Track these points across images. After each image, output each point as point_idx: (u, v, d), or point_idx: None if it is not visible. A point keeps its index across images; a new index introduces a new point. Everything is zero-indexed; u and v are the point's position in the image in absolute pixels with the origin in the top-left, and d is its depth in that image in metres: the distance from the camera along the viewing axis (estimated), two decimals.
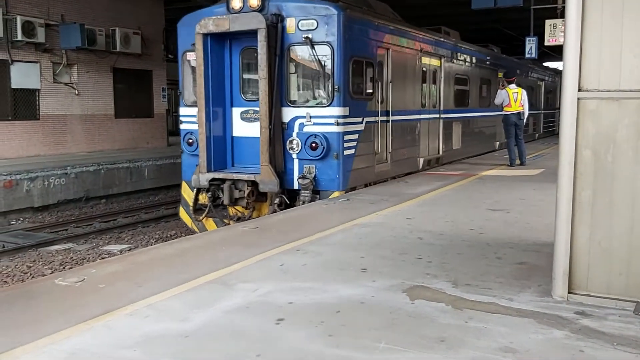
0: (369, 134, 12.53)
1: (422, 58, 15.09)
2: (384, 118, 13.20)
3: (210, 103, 11.96)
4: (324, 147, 11.45)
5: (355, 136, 12.01)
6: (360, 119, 12.14)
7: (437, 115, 16.27)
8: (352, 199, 10.95)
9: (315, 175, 11.64)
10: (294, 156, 11.76)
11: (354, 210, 9.68)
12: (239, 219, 12.05)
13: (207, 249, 7.35)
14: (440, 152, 16.56)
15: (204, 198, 12.28)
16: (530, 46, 22.11)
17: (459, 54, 17.75)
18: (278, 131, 11.65)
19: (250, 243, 7.51)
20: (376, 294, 5.45)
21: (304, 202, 11.49)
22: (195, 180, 12.15)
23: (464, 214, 9.39)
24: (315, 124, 11.62)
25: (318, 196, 11.68)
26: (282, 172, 11.78)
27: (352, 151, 11.89)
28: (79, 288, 5.70)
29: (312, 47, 11.39)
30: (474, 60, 19.26)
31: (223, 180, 11.92)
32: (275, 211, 11.53)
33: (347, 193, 11.62)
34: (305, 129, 11.68)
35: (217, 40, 12.03)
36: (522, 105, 15.96)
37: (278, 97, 11.63)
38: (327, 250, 7.12)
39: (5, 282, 11.09)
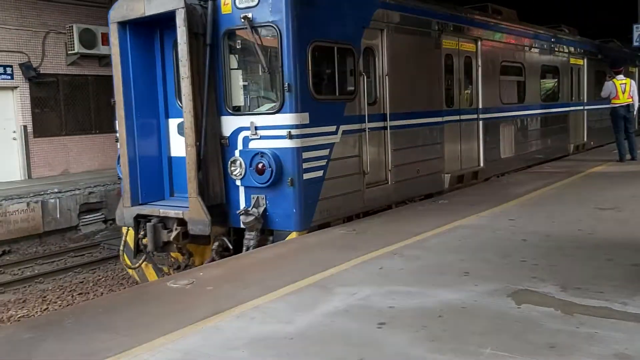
0: (350, 147, 9.11)
1: (444, 41, 11.43)
2: (378, 124, 9.72)
3: (133, 113, 8.98)
4: (272, 170, 8.16)
5: (324, 152, 8.63)
6: (332, 128, 8.75)
7: (474, 116, 12.53)
8: (450, 200, 10.76)
9: (265, 208, 8.39)
10: (238, 183, 8.55)
11: (452, 212, 9.45)
12: (180, 268, 9.02)
13: (305, 253, 7.43)
14: (481, 164, 12.77)
15: (136, 238, 9.27)
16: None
17: (505, 35, 13.86)
18: (213, 149, 8.48)
19: (347, 246, 7.52)
20: (479, 299, 5.36)
21: (248, 248, 8.27)
22: (118, 217, 9.21)
23: (570, 213, 9.07)
24: (262, 137, 8.35)
25: (271, 238, 8.43)
26: (223, 204, 8.61)
27: (319, 173, 8.52)
28: (189, 290, 6.03)
29: (254, 31, 8.14)
30: (533, 45, 15.26)
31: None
32: (213, 259, 8.40)
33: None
34: (251, 145, 8.44)
35: (143, 31, 9.03)
36: (631, 97, 14.84)
37: (213, 102, 8.47)
38: (425, 253, 7.07)
39: None
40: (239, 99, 8.70)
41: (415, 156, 10.58)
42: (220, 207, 8.58)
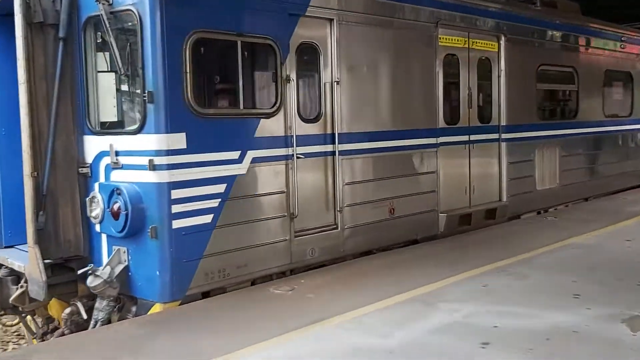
0: (267, 180, 6.55)
1: (443, 37, 8.60)
2: (321, 148, 7.10)
3: None
4: (127, 214, 5.77)
5: (217, 189, 6.11)
6: (232, 155, 6.23)
7: (493, 136, 9.56)
8: (560, 217, 10.42)
9: (128, 266, 6.00)
10: (98, 228, 6.22)
11: (562, 230, 9.17)
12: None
13: (405, 266, 7.21)
14: (504, 198, 9.75)
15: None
16: None
17: (547, 32, 10.74)
18: (65, 181, 6.19)
19: (450, 262, 7.32)
20: (591, 323, 5.16)
21: (96, 323, 5.92)
22: None
23: None
24: (124, 166, 5.99)
25: (134, 308, 6.02)
26: (79, 257, 6.31)
27: (205, 219, 6.01)
28: (290, 297, 6.08)
29: (108, 20, 5.79)
30: (590, 44, 11.96)
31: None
32: (63, 334, 6.13)
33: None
34: (112, 177, 6.09)
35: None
36: None
37: (68, 116, 6.20)
38: (533, 272, 6.88)
39: None
40: (107, 112, 6.35)
41: (387, 191, 7.82)
42: (82, 261, 6.28)
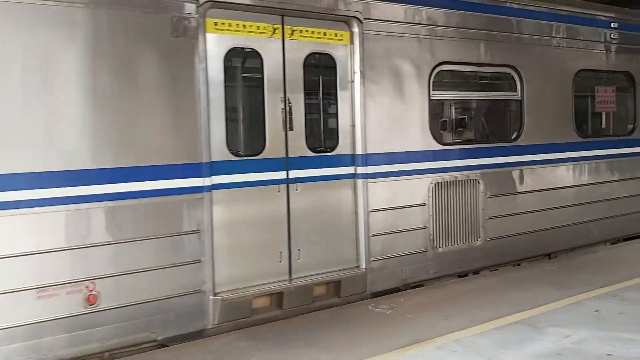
0: None
1: (217, 22, 5.65)
2: None
3: None
4: None
5: None
6: None
7: (344, 171, 6.61)
8: None
9: None
10: None
11: None
12: None
13: (510, 287, 7.05)
14: (363, 263, 6.60)
15: None
16: None
17: (439, 12, 7.35)
18: None
19: (558, 284, 7.11)
20: None
21: None
22: None
23: None
24: None
25: None
26: None
27: None
28: (389, 316, 6.05)
29: None
30: (535, 32, 8.44)
31: None
32: None
33: None
34: None
35: None
36: None
37: None
38: None
39: None
40: None
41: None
42: None
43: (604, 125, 10.14)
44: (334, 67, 6.48)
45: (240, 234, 5.76)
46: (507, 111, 8.55)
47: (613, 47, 9.45)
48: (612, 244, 9.58)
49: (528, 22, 8.25)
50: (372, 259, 6.61)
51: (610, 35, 9.42)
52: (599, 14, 9.33)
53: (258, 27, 5.92)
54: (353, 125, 6.57)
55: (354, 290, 6.45)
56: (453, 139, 8.03)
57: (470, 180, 7.54)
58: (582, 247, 8.87)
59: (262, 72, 5.95)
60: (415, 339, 5.24)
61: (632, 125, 9.95)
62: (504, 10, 8.01)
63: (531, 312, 5.95)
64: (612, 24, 9.45)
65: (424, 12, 7.14)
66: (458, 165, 7.46)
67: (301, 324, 5.83)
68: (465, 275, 7.64)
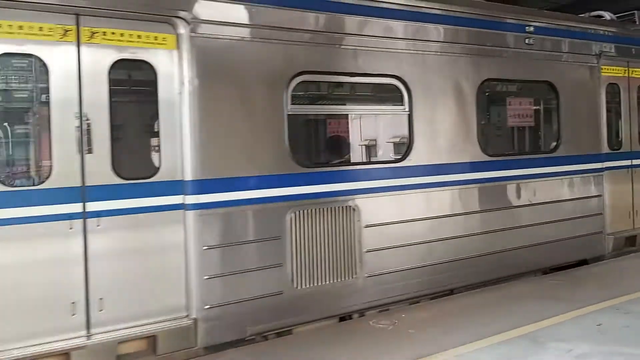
0: None
1: None
2: None
3: None
4: None
5: None
6: None
7: (167, 201, 5.44)
8: None
9: None
10: None
11: None
12: None
13: (511, 302, 6.99)
14: (194, 313, 5.38)
15: None
16: None
17: (300, 14, 6.28)
18: None
19: (560, 298, 7.05)
20: None
21: None
22: None
23: None
24: None
25: None
26: None
27: None
28: (391, 331, 6.03)
29: None
30: (422, 36, 7.22)
31: None
32: None
33: None
34: None
35: None
36: None
37: None
38: None
39: None
40: None
41: None
42: None
43: (519, 142, 9.01)
44: (154, 76, 5.39)
45: (18, 284, 4.67)
46: (394, 127, 7.41)
47: (531, 54, 8.27)
48: (544, 274, 8.35)
49: (417, 26, 7.13)
50: (206, 307, 5.47)
51: (526, 40, 8.25)
52: (509, 16, 8.14)
53: (41, 29, 4.85)
54: (181, 146, 5.48)
55: (178, 345, 5.30)
56: (321, 160, 6.95)
57: (343, 207, 6.43)
58: (495, 282, 7.69)
59: (47, 83, 4.87)
60: (418, 355, 5.27)
61: (555, 142, 8.72)
62: (385, 12, 6.87)
63: (533, 327, 5.97)
64: (527, 28, 8.27)
65: (279, 14, 6.07)
66: (326, 190, 6.34)
67: (301, 339, 5.90)
68: (344, 318, 6.55)
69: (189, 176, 5.47)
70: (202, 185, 5.52)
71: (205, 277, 5.49)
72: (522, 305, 6.77)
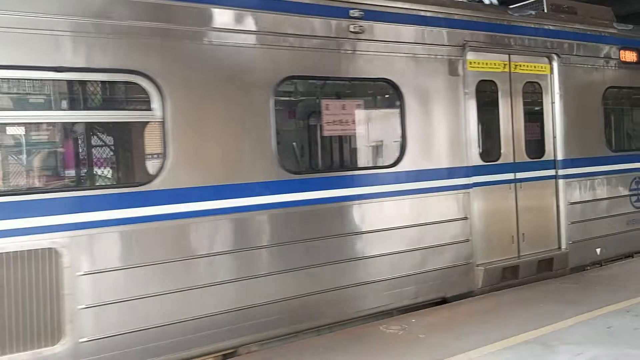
0: None
1: None
2: None
3: None
4: None
5: None
6: None
7: None
8: None
9: None
10: None
11: None
12: None
13: (523, 306, 7.07)
14: None
15: None
16: None
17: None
18: None
19: (570, 301, 7.13)
20: None
21: None
22: None
23: None
24: None
25: None
26: None
27: None
28: (401, 336, 6.09)
29: None
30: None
31: None
32: None
33: None
34: None
35: None
36: None
37: None
38: None
39: None
40: None
41: None
42: None
43: (340, 155, 7.32)
44: None
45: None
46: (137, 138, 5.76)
47: (358, 45, 6.65)
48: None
49: (161, 5, 5.40)
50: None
51: (350, 27, 6.60)
52: None
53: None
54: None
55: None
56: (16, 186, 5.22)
57: (39, 250, 4.74)
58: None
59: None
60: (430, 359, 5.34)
61: (398, 154, 6.98)
62: None
63: (543, 330, 6.00)
64: (351, 12, 6.61)
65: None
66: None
67: (318, 344, 5.95)
68: None
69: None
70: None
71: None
72: (532, 310, 6.83)
